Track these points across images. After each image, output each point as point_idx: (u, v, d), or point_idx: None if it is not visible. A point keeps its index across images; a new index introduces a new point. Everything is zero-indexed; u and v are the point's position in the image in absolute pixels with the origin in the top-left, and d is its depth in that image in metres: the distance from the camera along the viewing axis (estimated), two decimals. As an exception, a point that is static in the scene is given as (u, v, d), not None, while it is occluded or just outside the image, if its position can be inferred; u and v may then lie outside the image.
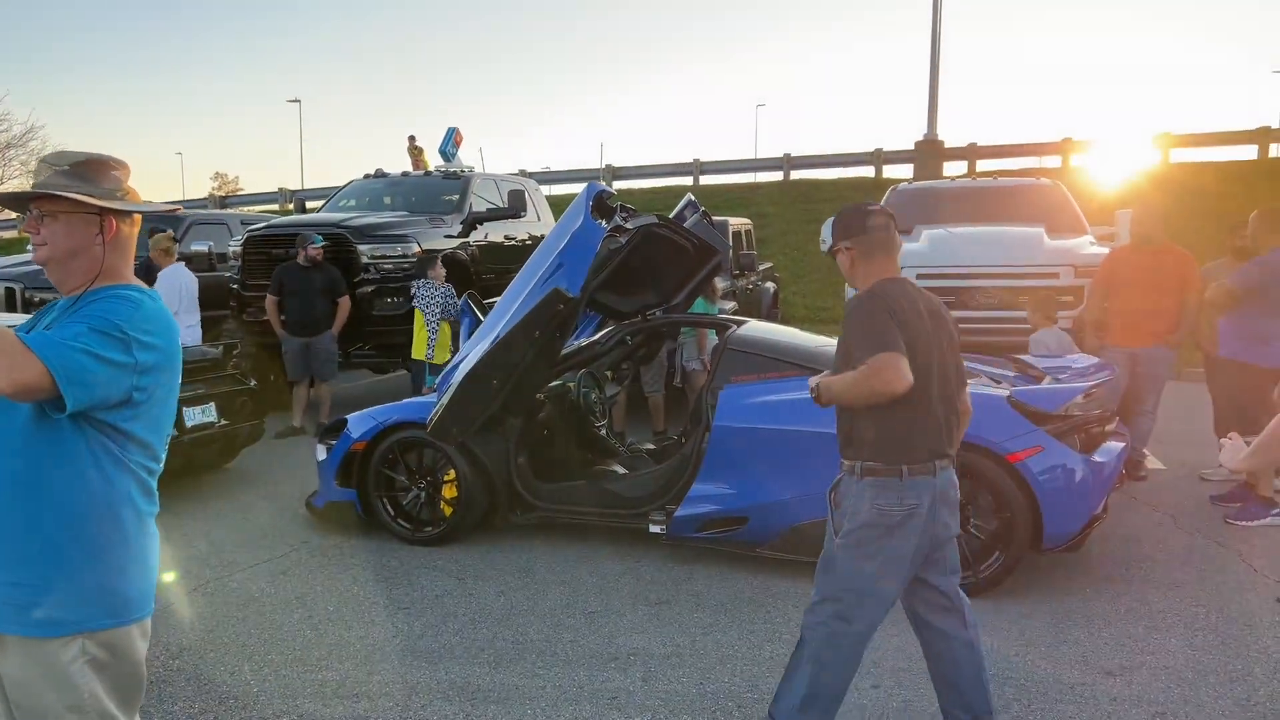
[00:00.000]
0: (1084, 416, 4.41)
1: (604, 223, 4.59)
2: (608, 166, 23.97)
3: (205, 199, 27.59)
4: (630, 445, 6.10)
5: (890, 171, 23.10)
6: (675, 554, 4.97)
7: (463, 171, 11.11)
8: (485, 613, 4.26)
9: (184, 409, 6.06)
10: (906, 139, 28.87)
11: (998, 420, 4.29)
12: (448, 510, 5.24)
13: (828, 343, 5.39)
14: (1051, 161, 22.35)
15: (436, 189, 10.75)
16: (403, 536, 5.27)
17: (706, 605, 4.31)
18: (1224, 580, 4.51)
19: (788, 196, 21.32)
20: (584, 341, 5.81)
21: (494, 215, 10.38)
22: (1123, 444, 4.60)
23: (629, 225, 4.92)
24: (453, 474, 5.19)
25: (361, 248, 8.80)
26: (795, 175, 23.36)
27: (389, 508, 5.32)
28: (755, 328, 5.40)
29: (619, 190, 23.39)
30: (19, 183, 30.15)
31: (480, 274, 10.09)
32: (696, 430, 4.97)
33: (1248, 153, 21.41)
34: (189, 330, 7.73)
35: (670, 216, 5.68)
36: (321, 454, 5.61)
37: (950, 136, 23.27)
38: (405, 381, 10.97)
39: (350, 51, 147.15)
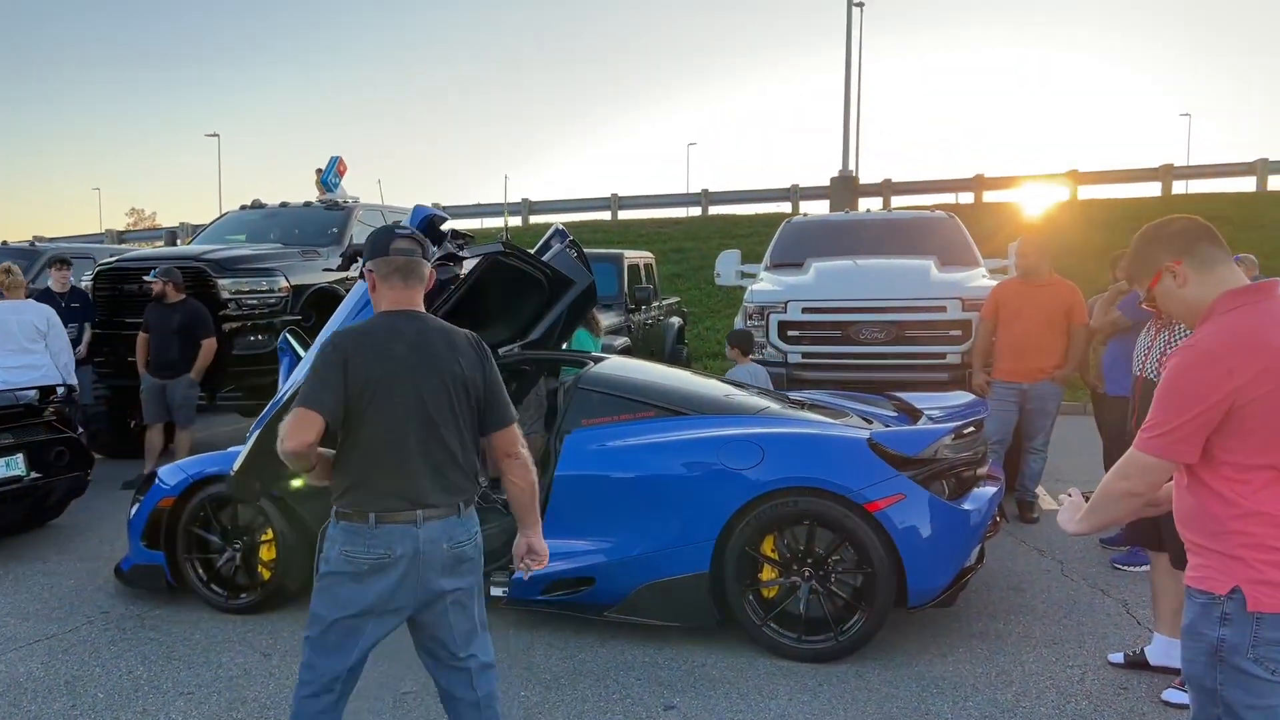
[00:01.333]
0: (952, 460, 4.06)
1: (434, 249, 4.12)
2: (524, 200, 23.58)
3: (103, 234, 26.39)
4: (489, 496, 5.59)
5: (806, 207, 23.11)
6: (518, 619, 4.47)
7: (345, 202, 10.56)
8: (282, 697, 3.70)
9: (-19, 462, 5.39)
10: (826, 175, 29.09)
11: (855, 465, 3.92)
12: (266, 574, 4.67)
13: (699, 381, 5.00)
14: (965, 198, 22.59)
15: (317, 220, 10.16)
16: (215, 604, 4.67)
17: (539, 679, 3.82)
18: (1104, 634, 4.18)
19: (705, 231, 21.13)
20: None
21: (377, 248, 9.82)
22: (996, 488, 4.26)
23: (464, 254, 4.47)
24: (271, 533, 4.63)
25: (222, 282, 8.17)
26: (714, 210, 23.23)
27: (201, 572, 4.73)
28: (615, 365, 4.97)
29: (535, 225, 23.00)
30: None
31: (361, 310, 9.53)
32: (541, 480, 4.49)
33: (1152, 189, 21.94)
34: (16, 371, 6.97)
35: (537, 247, 5.27)
36: (133, 510, 5.00)
37: (866, 173, 23.42)
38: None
39: (270, 84, 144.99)
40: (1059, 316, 6.08)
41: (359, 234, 9.91)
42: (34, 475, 5.70)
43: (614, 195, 23.73)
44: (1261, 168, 21.90)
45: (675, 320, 12.29)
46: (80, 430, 6.19)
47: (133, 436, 8.97)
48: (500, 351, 5.27)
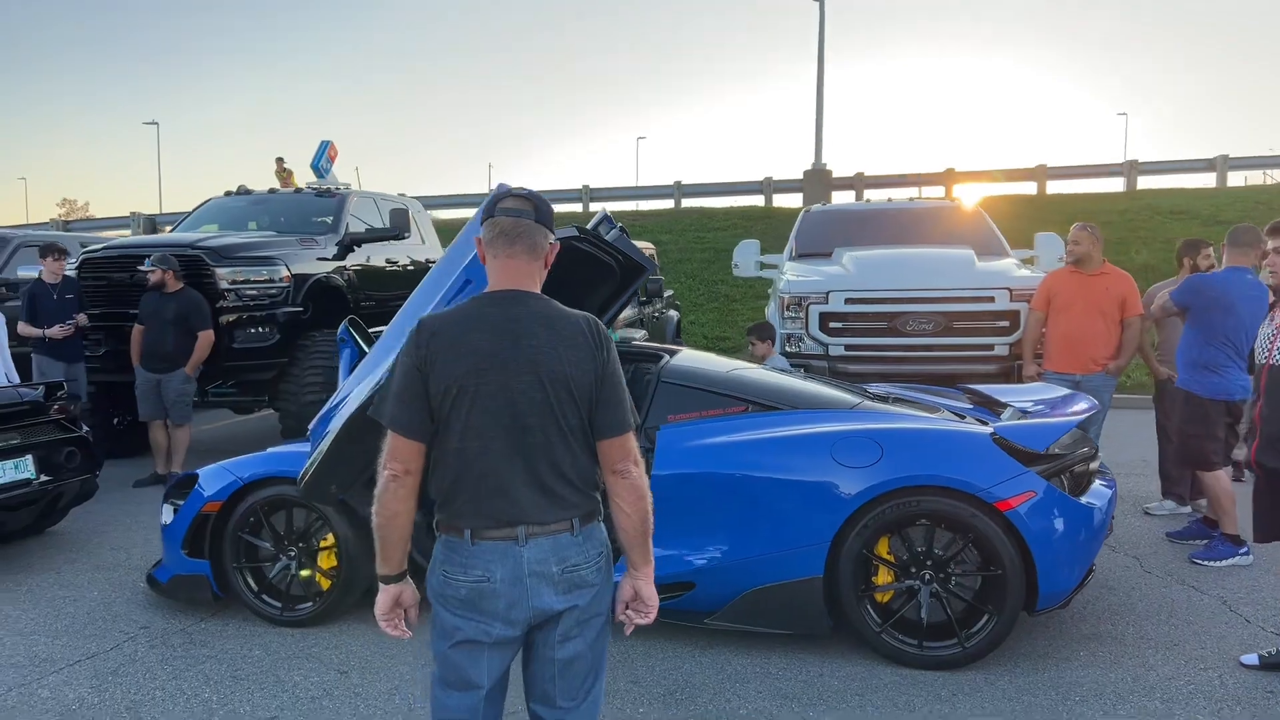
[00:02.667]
0: (1072, 455, 3.88)
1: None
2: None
3: (47, 223, 25.24)
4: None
5: (780, 200, 23.02)
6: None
7: (337, 189, 10.10)
8: (371, 717, 3.38)
9: (-10, 464, 4.93)
10: (792, 170, 29.09)
11: (982, 462, 3.71)
12: (325, 583, 4.32)
13: (776, 374, 4.75)
14: (934, 191, 22.71)
15: (308, 207, 9.70)
16: (269, 617, 4.31)
17: (652, 694, 3.55)
18: (1220, 635, 4.04)
19: (680, 224, 20.90)
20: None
21: (374, 236, 9.41)
22: (1112, 485, 4.10)
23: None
24: (331, 539, 4.28)
25: (220, 271, 7.69)
26: (686, 203, 23.03)
27: (251, 582, 4.36)
28: (691, 357, 4.71)
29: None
30: None
31: (359, 301, 9.11)
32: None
33: (1116, 184, 22.30)
34: None
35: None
36: (167, 516, 4.60)
37: (837, 166, 23.41)
38: (272, 422, 9.86)
39: (209, 72, 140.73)
40: (1113, 307, 5.96)
41: (354, 222, 9.49)
42: (43, 478, 5.24)
43: (585, 187, 23.39)
44: (1221, 164, 22.40)
45: (673, 313, 12.05)
46: (86, 429, 5.72)
47: (120, 435, 8.46)
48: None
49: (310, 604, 4.30)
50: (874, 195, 21.99)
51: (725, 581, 3.88)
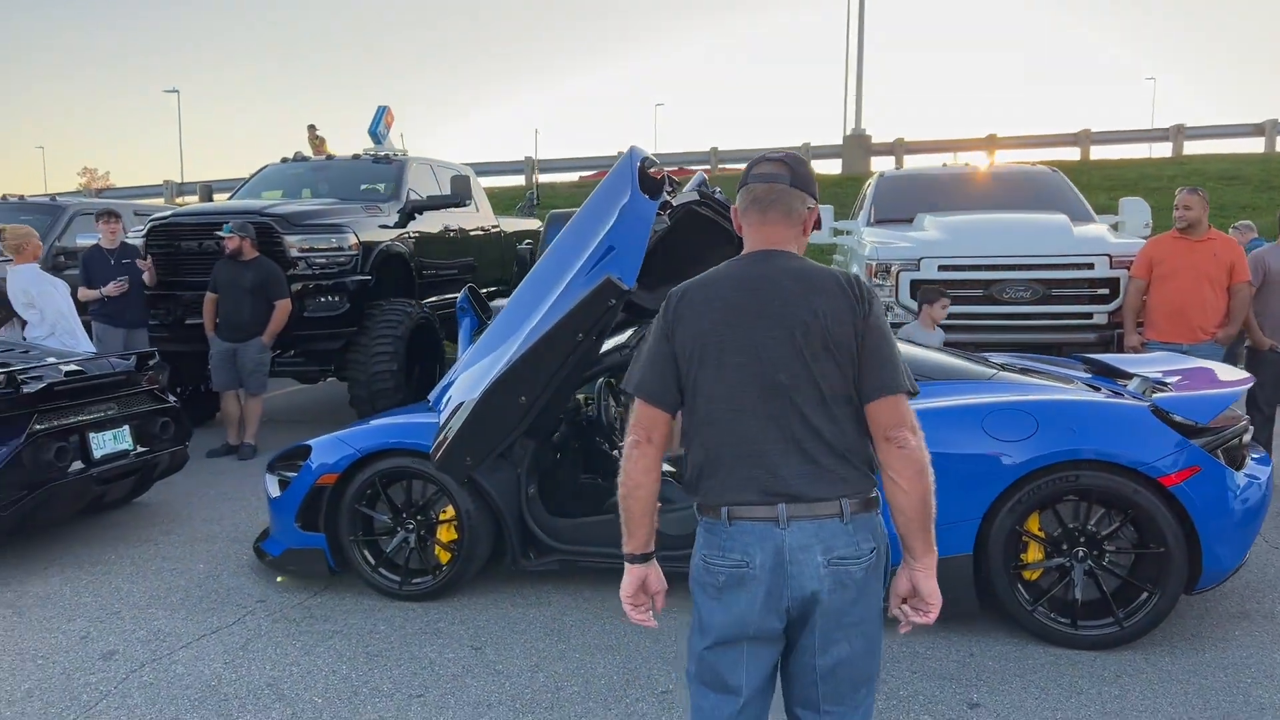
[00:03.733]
0: (1231, 429, 3.73)
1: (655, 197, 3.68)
2: (527, 158, 22.87)
3: (78, 192, 25.19)
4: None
5: (818, 166, 22.68)
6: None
7: (395, 155, 9.94)
8: (524, 697, 3.29)
9: (90, 436, 4.85)
10: (829, 135, 28.65)
11: (1144, 435, 3.56)
12: (444, 556, 4.23)
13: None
14: (977, 158, 22.34)
15: (367, 174, 9.56)
16: (387, 591, 4.23)
17: (801, 674, 3.44)
18: (1375, 613, 3.90)
19: (723, 189, 20.58)
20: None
21: (435, 203, 9.26)
22: (1267, 459, 3.94)
23: (675, 202, 4.03)
24: (450, 511, 4.19)
25: (289, 239, 7.58)
26: (723, 169, 22.74)
27: (369, 556, 4.28)
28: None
29: (540, 183, 22.29)
30: None
31: (421, 269, 8.99)
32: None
33: (1163, 150, 21.86)
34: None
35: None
36: (274, 488, 4.52)
37: (876, 132, 23.05)
38: (338, 391, 9.80)
39: (231, 39, 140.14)
40: (1220, 273, 5.76)
41: (416, 188, 9.35)
42: (140, 449, 5.17)
43: (619, 154, 23.11)
44: (1270, 128, 21.90)
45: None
46: (174, 399, 5.65)
47: (184, 405, 8.39)
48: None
49: (429, 578, 4.22)
50: (913, 161, 21.64)
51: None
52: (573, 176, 22.87)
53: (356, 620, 4.01)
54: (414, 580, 4.23)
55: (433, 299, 9.34)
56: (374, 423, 4.50)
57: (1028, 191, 7.88)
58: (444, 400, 4.24)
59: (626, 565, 2.05)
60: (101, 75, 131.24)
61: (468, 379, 3.96)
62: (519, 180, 22.90)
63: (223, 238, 6.96)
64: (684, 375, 1.94)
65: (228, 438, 7.34)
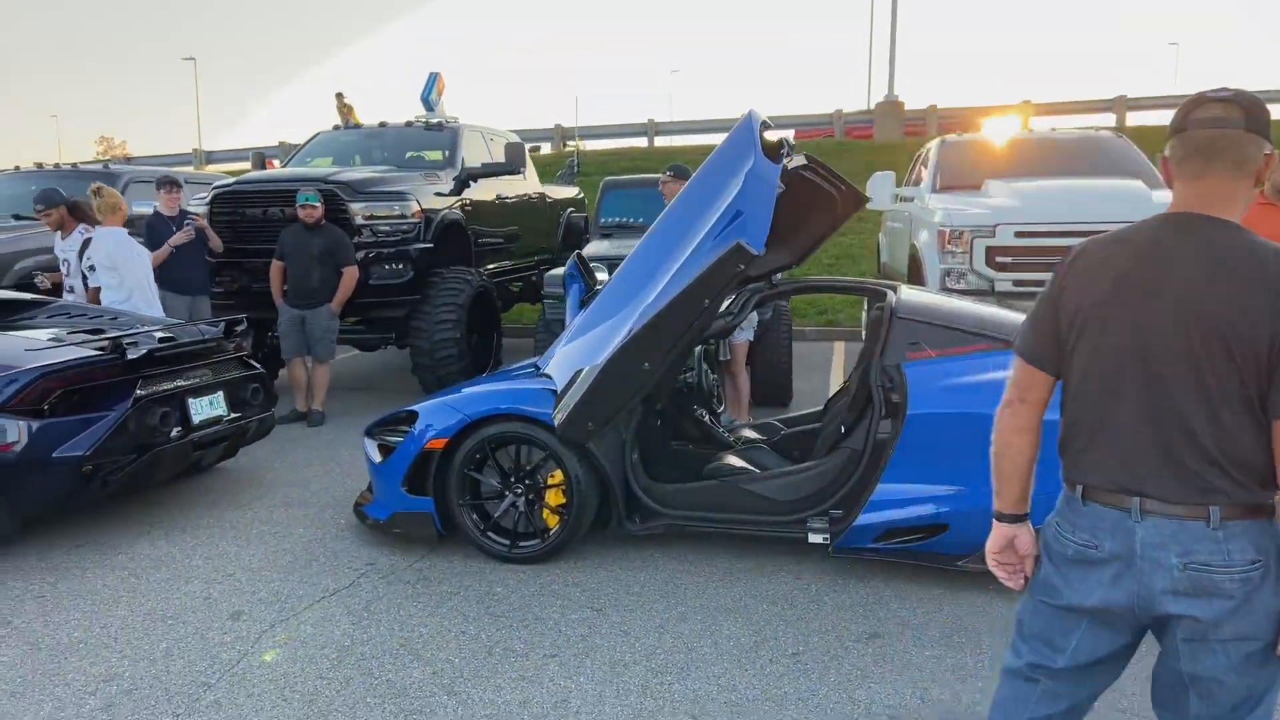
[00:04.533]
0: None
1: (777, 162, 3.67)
2: (556, 126, 22.75)
3: (108, 161, 25.18)
4: (732, 433, 5.18)
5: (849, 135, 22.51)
6: (841, 568, 4.12)
7: (447, 122, 9.90)
8: (656, 658, 3.33)
9: (189, 401, 4.90)
10: (856, 101, 28.38)
11: None
12: (552, 520, 4.27)
13: (1004, 311, 4.58)
14: (1012, 125, 22.07)
15: (421, 141, 9.54)
16: (496, 554, 4.28)
17: (927, 637, 3.47)
18: None
19: (749, 158, 20.47)
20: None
21: (490, 171, 9.23)
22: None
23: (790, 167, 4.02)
24: (559, 476, 4.22)
25: (354, 206, 7.59)
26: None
27: (477, 520, 4.32)
28: (916, 293, 4.55)
29: (561, 153, 22.18)
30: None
31: (477, 238, 8.98)
32: (866, 418, 4.10)
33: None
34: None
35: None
36: (375, 453, 4.56)
37: (908, 98, 22.83)
38: (399, 359, 9.85)
39: (248, 5, 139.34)
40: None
41: (470, 155, 9.32)
42: (233, 415, 5.22)
43: (650, 121, 22.97)
44: (1309, 94, 21.51)
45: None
46: (260, 366, 5.69)
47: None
48: (776, 278, 4.82)
49: (537, 541, 4.26)
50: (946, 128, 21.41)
51: (984, 523, 3.73)
52: (602, 144, 22.71)
53: (470, 582, 4.06)
54: (522, 544, 4.27)
55: (491, 266, 9.36)
56: (478, 388, 4.52)
57: (1095, 157, 7.80)
58: (550, 365, 4.27)
59: (994, 523, 2.00)
60: (116, 43, 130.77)
61: (582, 346, 3.98)
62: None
63: (298, 205, 6.96)
64: (1063, 341, 1.86)
65: (295, 404, 7.39)
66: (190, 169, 23.74)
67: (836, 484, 4.05)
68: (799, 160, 4.27)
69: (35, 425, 4.24)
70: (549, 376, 4.27)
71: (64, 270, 6.89)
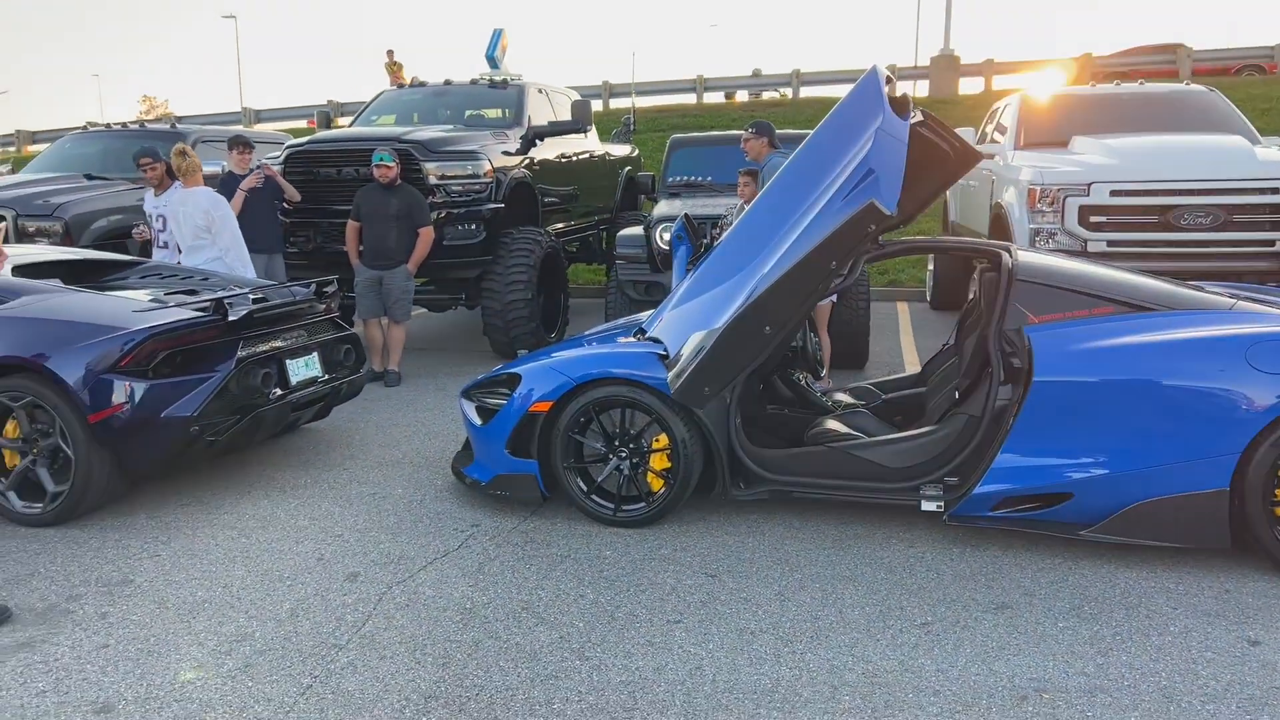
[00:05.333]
0: None
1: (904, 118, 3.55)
2: (604, 83, 22.48)
3: (174, 120, 25.45)
4: (828, 398, 5.10)
5: (904, 89, 21.99)
6: (954, 536, 4.05)
7: (511, 79, 9.79)
8: (783, 626, 3.30)
9: (287, 362, 4.91)
10: (902, 54, 27.71)
11: None
12: (657, 484, 4.24)
13: (1126, 274, 4.43)
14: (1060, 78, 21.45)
15: (487, 99, 9.46)
16: (600, 517, 4.26)
17: (1055, 610, 3.40)
18: None
19: (801, 116, 20.09)
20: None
21: (557, 129, 9.13)
22: None
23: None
24: (664, 440, 4.18)
25: (428, 166, 7.55)
26: (805, 93, 22.16)
27: (581, 483, 4.31)
28: (1034, 255, 4.42)
29: (615, 109, 21.93)
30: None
31: (543, 197, 8.90)
32: (983, 384, 4.01)
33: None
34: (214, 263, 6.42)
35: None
36: (474, 415, 4.55)
37: (964, 52, 22.24)
38: (465, 319, 9.87)
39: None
40: None
41: (534, 114, 9.22)
42: (327, 376, 5.23)
43: (700, 77, 22.61)
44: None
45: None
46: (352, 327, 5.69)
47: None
48: (882, 239, 4.69)
49: (643, 505, 4.24)
50: (1004, 82, 20.85)
51: (1110, 493, 3.68)
52: (649, 100, 22.40)
53: (577, 545, 4.05)
54: (626, 507, 4.25)
55: (559, 226, 9.30)
56: (581, 351, 4.48)
57: (1186, 112, 7.54)
58: (658, 329, 4.21)
59: None
60: (153, 2, 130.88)
61: (696, 309, 3.91)
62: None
63: (376, 165, 6.92)
64: None
65: (372, 364, 7.40)
66: (239, 128, 23.82)
67: (952, 451, 3.97)
68: (917, 116, 4.13)
69: (145, 386, 4.27)
70: (654, 340, 4.22)
71: (157, 227, 6.92)
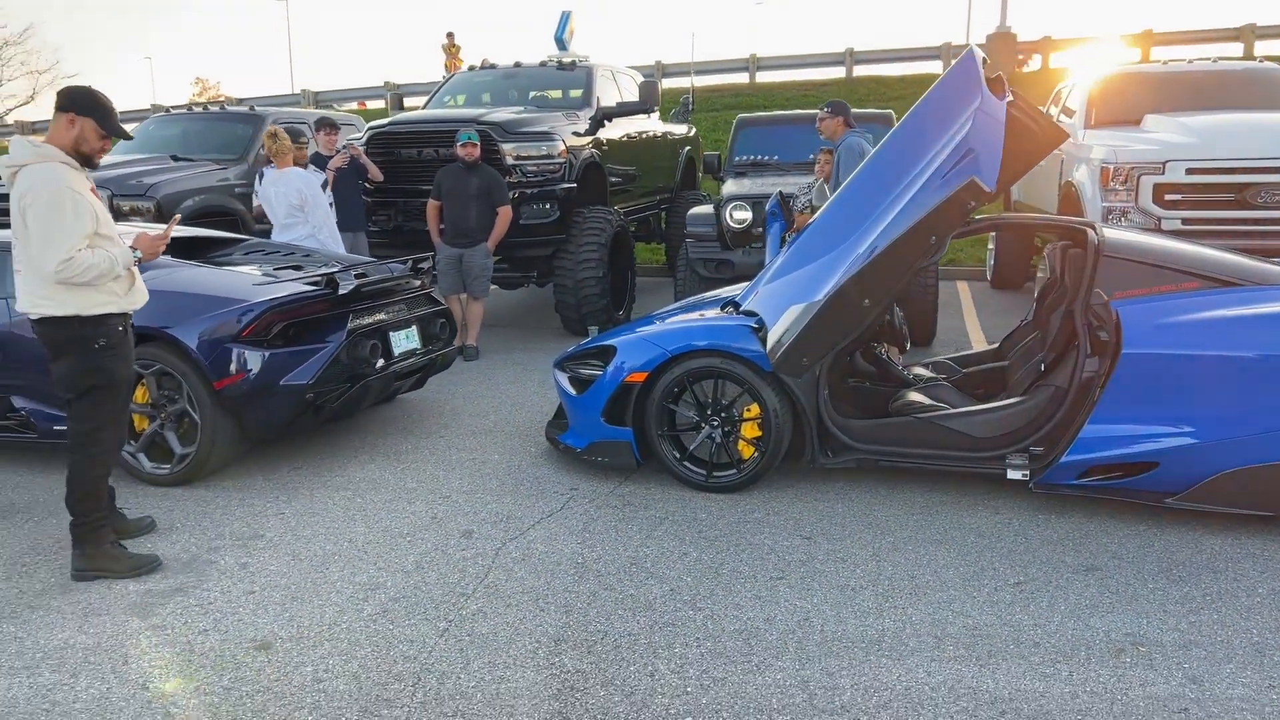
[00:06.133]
0: None
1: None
2: (657, 63, 22.53)
3: (251, 103, 26.01)
4: (908, 371, 5.24)
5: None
6: (1039, 504, 4.19)
7: (579, 61, 9.96)
8: (882, 583, 3.48)
9: (390, 334, 5.17)
10: (946, 32, 27.35)
11: None
12: (748, 451, 4.43)
13: (1210, 250, 4.52)
14: (1130, 56, 21.09)
15: (557, 81, 9.64)
16: (693, 483, 4.47)
17: (1144, 572, 3.54)
18: None
19: (855, 94, 20.04)
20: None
21: (626, 110, 9.30)
22: None
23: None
24: (755, 409, 4.37)
25: (506, 146, 7.76)
26: (859, 71, 22.04)
27: (674, 450, 4.51)
28: (1120, 231, 4.53)
29: (667, 89, 22.00)
30: (23, 82, 28.65)
31: (609, 177, 9.08)
32: (1071, 357, 4.14)
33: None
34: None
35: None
36: (568, 385, 4.77)
37: (1021, 29, 21.95)
38: (532, 296, 10.11)
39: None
40: None
41: (607, 96, 9.39)
42: (425, 348, 5.48)
43: (753, 56, 22.58)
44: None
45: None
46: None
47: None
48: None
49: (734, 472, 4.43)
50: (1063, 60, 20.59)
51: (1196, 462, 3.80)
52: (701, 81, 22.41)
53: (673, 509, 4.26)
54: (718, 474, 4.45)
55: (625, 205, 9.48)
56: (672, 323, 4.68)
57: (1260, 90, 7.51)
58: (753, 302, 4.39)
59: None
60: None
61: (792, 282, 4.08)
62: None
63: (460, 144, 7.15)
64: None
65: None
66: (313, 110, 24.27)
67: (1039, 421, 4.11)
68: (1009, 96, 4.24)
69: (266, 355, 4.54)
70: (748, 313, 4.40)
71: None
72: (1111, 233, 4.36)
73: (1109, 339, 3.92)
